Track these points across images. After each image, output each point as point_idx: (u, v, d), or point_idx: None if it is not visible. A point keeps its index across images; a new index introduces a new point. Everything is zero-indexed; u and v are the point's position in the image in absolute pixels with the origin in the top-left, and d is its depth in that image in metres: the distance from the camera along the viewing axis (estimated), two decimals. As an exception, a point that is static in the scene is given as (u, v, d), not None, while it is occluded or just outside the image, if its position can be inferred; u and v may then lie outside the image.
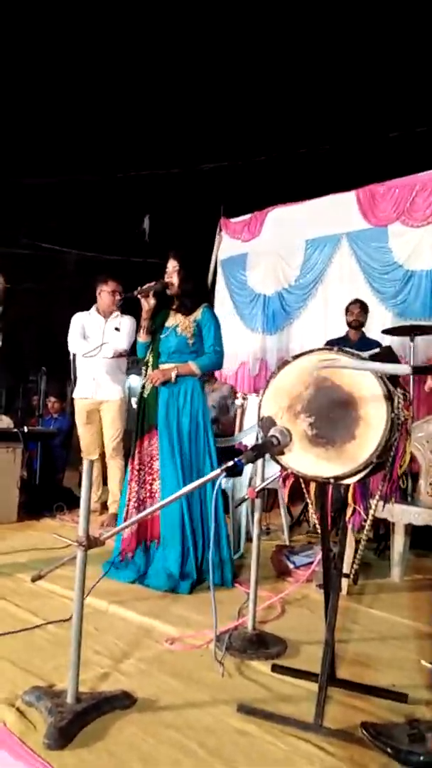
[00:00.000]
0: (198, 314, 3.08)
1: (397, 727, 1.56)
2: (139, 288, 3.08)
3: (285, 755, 1.48)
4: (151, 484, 2.99)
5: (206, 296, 3.22)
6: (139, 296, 3.08)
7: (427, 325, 4.70)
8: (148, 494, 2.98)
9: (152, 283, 3.07)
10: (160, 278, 3.11)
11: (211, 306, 3.20)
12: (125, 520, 2.96)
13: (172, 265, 3.09)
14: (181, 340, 3.04)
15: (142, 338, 3.14)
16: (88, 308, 4.56)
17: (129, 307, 4.42)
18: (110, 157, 12.96)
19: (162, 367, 3.06)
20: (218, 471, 1.69)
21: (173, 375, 3.00)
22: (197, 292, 3.14)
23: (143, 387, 3.12)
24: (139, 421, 3.09)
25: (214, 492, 1.89)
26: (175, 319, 3.10)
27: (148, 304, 3.07)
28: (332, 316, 5.59)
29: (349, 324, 4.87)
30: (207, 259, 7.13)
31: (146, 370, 3.12)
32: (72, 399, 4.67)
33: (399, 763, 1.46)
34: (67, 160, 13.17)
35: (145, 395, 3.08)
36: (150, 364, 3.10)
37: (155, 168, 11.95)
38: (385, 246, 5.49)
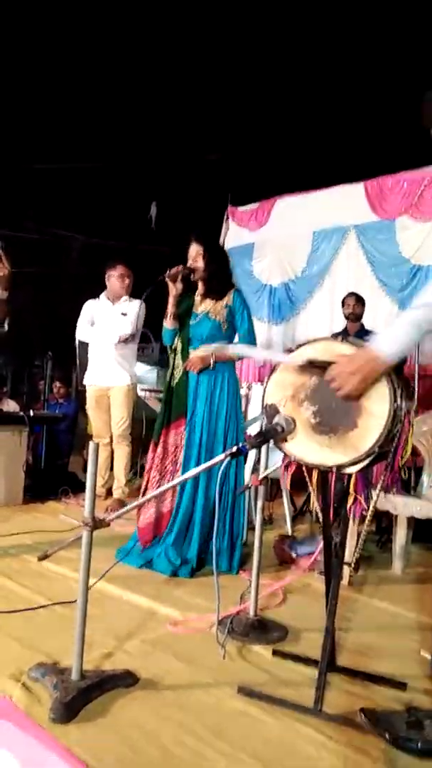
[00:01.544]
0: (229, 299, 3.01)
1: (395, 714, 1.59)
2: (168, 271, 2.98)
3: (284, 736, 1.51)
4: (173, 474, 2.95)
5: (232, 280, 3.11)
6: (167, 280, 2.99)
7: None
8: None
9: (179, 267, 2.99)
10: (182, 263, 3.02)
11: (240, 290, 3.10)
12: (144, 506, 2.94)
13: (195, 250, 2.99)
14: (215, 325, 2.98)
15: (170, 325, 3.04)
16: (93, 293, 4.58)
17: (140, 293, 4.39)
18: (117, 143, 12.90)
19: (195, 353, 2.99)
20: (222, 456, 1.72)
21: (212, 361, 2.94)
22: (225, 276, 3.05)
23: (171, 375, 3.05)
24: (166, 410, 3.03)
25: (218, 478, 1.91)
26: (204, 305, 3.03)
27: (176, 289, 3.00)
28: (338, 307, 5.58)
29: (346, 317, 4.88)
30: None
31: (174, 357, 3.04)
32: (77, 384, 4.70)
33: (396, 748, 1.49)
34: (74, 145, 13.11)
35: (173, 384, 3.02)
36: (179, 350, 3.03)
37: (162, 155, 11.90)
38: (392, 239, 5.47)
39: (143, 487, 3.05)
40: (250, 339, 3.04)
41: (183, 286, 3.00)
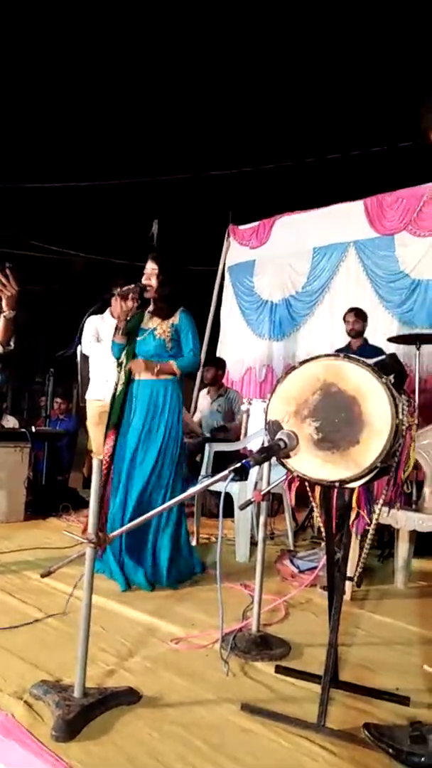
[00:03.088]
0: (176, 319, 3.12)
1: (399, 729, 1.58)
2: (119, 289, 3.10)
3: (288, 753, 1.51)
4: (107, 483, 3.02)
5: (183, 301, 3.23)
6: (118, 297, 3.11)
7: (433, 334, 4.73)
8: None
9: (131, 286, 3.11)
10: (138, 281, 3.14)
11: (188, 310, 3.21)
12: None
13: (150, 268, 3.12)
14: (160, 343, 3.09)
15: (119, 340, 3.15)
16: (95, 311, 4.61)
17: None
18: (119, 162, 13.07)
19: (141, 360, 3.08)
20: (226, 472, 1.73)
21: (156, 368, 3.04)
22: (175, 297, 3.15)
23: (115, 387, 3.14)
24: (109, 420, 3.14)
25: (221, 495, 1.92)
26: (152, 322, 3.14)
27: (125, 306, 3.11)
28: (339, 323, 5.62)
29: (348, 333, 4.91)
30: (215, 264, 7.19)
31: (120, 372, 3.15)
32: (78, 401, 4.72)
33: (400, 763, 1.48)
34: (77, 164, 13.27)
35: (117, 395, 3.11)
36: (124, 365, 3.13)
37: (164, 173, 12.05)
38: (392, 255, 5.53)
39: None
40: (195, 357, 3.13)
41: (134, 304, 3.11)
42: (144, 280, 3.11)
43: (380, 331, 5.26)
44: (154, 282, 3.10)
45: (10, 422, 5.87)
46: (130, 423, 3.06)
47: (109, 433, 3.09)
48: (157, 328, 3.11)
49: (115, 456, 3.04)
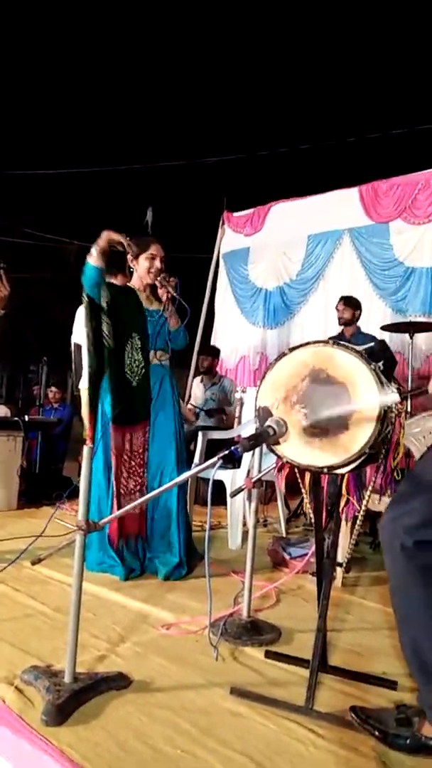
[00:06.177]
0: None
1: (385, 712, 1.60)
2: (172, 280, 3.04)
3: (276, 736, 1.52)
4: (141, 476, 2.94)
5: None
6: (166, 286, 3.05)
7: (426, 322, 4.75)
8: (138, 486, 2.91)
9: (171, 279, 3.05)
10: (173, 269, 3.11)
11: None
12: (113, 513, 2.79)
13: (161, 254, 3.04)
14: (167, 325, 3.09)
15: (99, 263, 2.80)
16: None
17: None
18: (114, 148, 12.97)
19: (159, 353, 3.05)
20: (215, 459, 1.73)
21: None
22: None
23: (130, 374, 2.89)
24: (130, 410, 2.90)
25: (210, 481, 1.92)
26: (155, 305, 3.10)
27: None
28: (333, 311, 5.61)
29: (338, 322, 4.91)
30: (209, 252, 7.16)
31: (131, 353, 2.89)
32: (72, 389, 4.70)
33: (386, 745, 1.50)
34: (71, 151, 13.17)
35: (134, 384, 2.89)
36: (138, 348, 2.91)
37: (159, 160, 11.96)
38: (386, 242, 5.52)
39: (115, 491, 2.85)
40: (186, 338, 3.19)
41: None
42: (158, 263, 3.03)
43: (374, 318, 5.26)
44: (161, 265, 3.04)
45: (1, 411, 5.86)
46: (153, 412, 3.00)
47: (143, 423, 2.95)
48: (164, 309, 3.05)
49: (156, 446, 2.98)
